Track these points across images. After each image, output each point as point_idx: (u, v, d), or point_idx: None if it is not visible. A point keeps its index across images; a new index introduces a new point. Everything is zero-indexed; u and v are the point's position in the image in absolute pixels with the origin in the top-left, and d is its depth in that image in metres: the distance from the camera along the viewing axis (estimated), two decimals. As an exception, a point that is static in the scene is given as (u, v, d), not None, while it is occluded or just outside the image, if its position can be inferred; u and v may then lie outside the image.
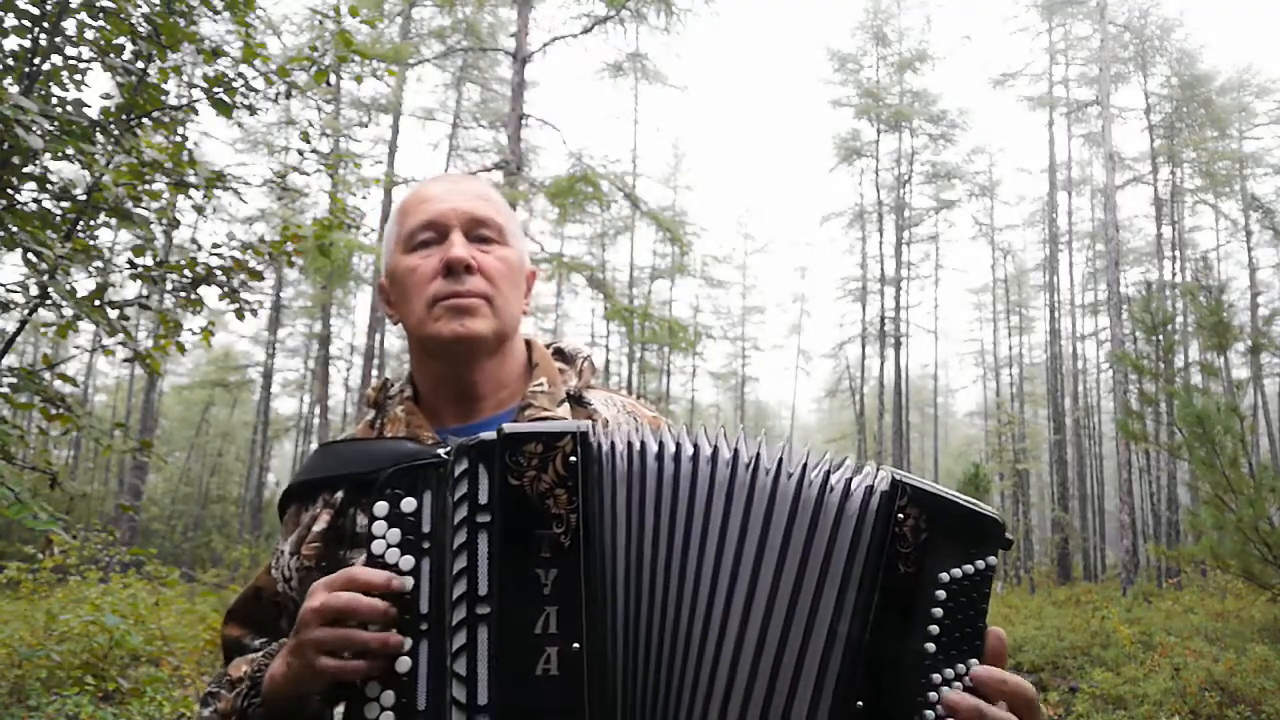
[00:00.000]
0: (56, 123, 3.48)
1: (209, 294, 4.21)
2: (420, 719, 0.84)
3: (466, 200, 1.12)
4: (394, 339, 29.72)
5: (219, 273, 4.14)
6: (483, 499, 0.86)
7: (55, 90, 3.77)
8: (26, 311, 3.61)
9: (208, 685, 1.09)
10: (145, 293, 4.40)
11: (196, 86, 4.21)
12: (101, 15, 3.71)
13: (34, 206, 3.70)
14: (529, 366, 1.20)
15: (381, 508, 0.88)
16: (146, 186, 3.96)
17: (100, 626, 5.87)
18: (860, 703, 0.83)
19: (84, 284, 4.02)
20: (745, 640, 0.85)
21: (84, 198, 3.66)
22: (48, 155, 3.60)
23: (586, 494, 0.86)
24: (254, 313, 4.34)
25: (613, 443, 0.89)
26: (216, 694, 1.05)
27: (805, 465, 0.88)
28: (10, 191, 3.59)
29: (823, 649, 0.84)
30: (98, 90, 4.08)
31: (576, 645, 0.83)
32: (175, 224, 4.49)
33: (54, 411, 3.57)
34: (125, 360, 4.19)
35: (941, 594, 0.86)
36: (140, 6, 3.80)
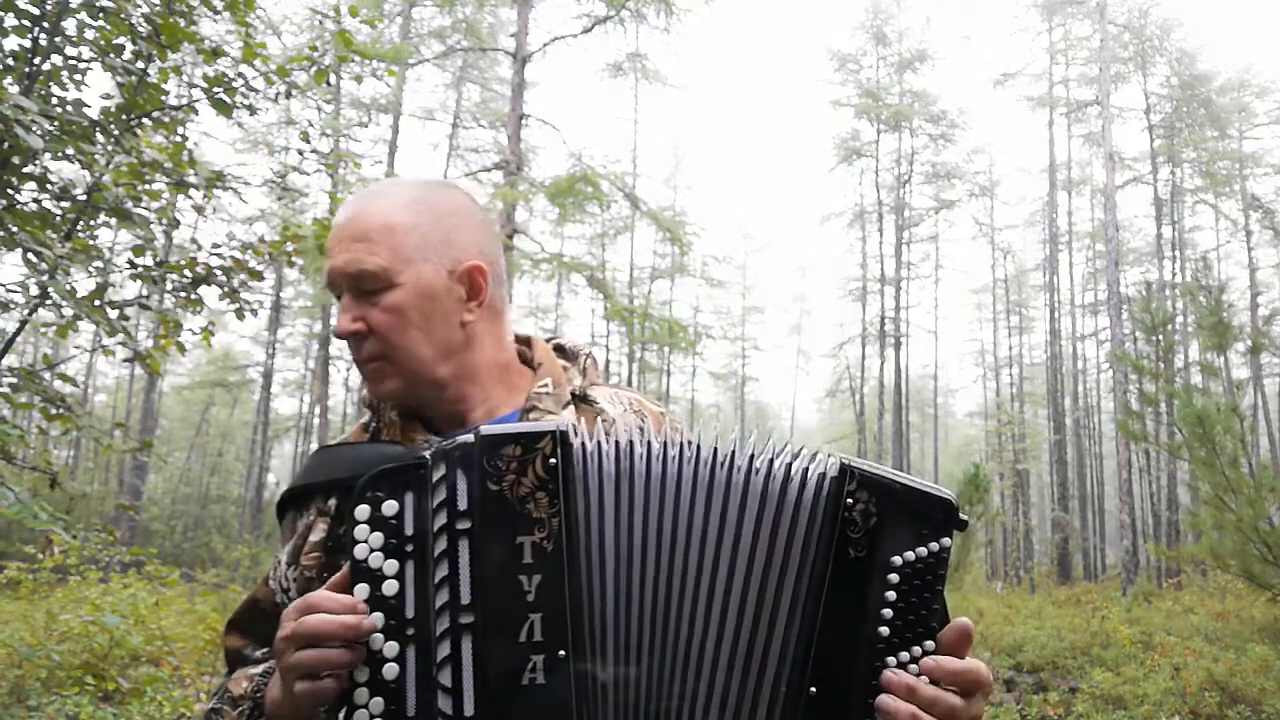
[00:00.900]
0: (56, 123, 3.48)
1: (209, 294, 4.21)
2: None
3: (344, 254, 1.04)
4: (394, 339, 29.66)
5: (219, 273, 4.14)
6: (462, 505, 0.84)
7: (55, 90, 3.77)
8: (26, 311, 3.61)
9: (212, 701, 1.08)
10: (145, 293, 4.40)
11: (196, 86, 4.21)
12: (101, 15, 3.71)
13: (34, 206, 3.71)
14: (531, 368, 1.17)
15: (363, 511, 0.85)
16: (146, 186, 3.96)
17: (100, 626, 5.87)
18: (813, 689, 0.83)
19: (84, 284, 4.02)
20: (723, 637, 0.85)
21: (84, 198, 3.66)
22: (48, 155, 3.60)
23: (568, 496, 0.85)
24: (254, 313, 4.34)
25: (595, 443, 0.88)
26: (220, 711, 1.04)
27: (753, 456, 0.87)
28: (10, 191, 3.59)
29: (781, 639, 0.85)
30: (98, 90, 4.07)
31: (562, 652, 0.82)
32: (175, 224, 4.49)
33: (54, 411, 3.57)
34: (125, 360, 4.19)
35: (894, 578, 0.85)
36: (140, 6, 3.80)
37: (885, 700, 0.82)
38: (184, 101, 4.28)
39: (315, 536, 1.06)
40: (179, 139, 4.18)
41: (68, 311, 3.59)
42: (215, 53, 4.05)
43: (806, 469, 0.87)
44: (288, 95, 4.31)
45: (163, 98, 4.05)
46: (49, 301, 3.53)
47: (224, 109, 4.13)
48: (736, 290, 35.63)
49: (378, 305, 1.04)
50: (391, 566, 0.84)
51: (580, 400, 1.15)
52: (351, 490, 0.92)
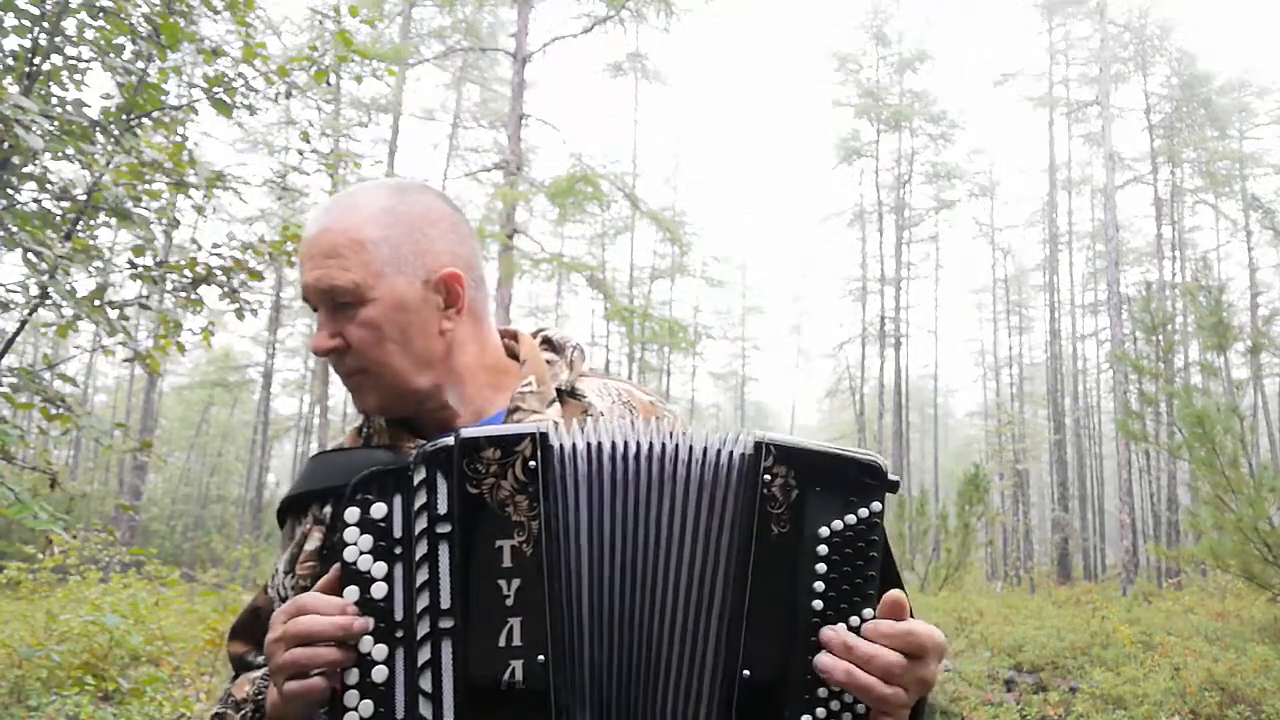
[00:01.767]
0: (56, 123, 3.48)
1: (209, 294, 4.21)
2: None
3: (316, 270, 1.03)
4: (394, 339, 29.68)
5: (219, 273, 4.14)
6: (442, 509, 0.84)
7: (55, 90, 3.77)
8: (26, 311, 3.61)
9: (216, 705, 1.09)
10: (145, 293, 4.40)
11: (196, 86, 4.21)
12: (101, 15, 3.72)
13: (34, 206, 3.71)
14: (518, 364, 1.16)
15: (352, 514, 0.85)
16: (146, 186, 3.96)
17: (100, 626, 5.86)
18: (746, 671, 0.83)
19: (84, 284, 4.02)
20: (675, 633, 0.85)
21: (84, 198, 3.66)
22: (48, 155, 3.60)
23: (547, 499, 0.84)
24: (254, 313, 4.34)
25: (574, 444, 0.87)
26: (224, 715, 1.05)
27: (692, 446, 0.87)
28: (10, 191, 3.59)
29: (716, 627, 0.84)
30: (98, 90, 4.07)
31: (542, 657, 0.82)
32: (175, 224, 4.49)
33: (54, 411, 3.57)
34: (125, 360, 4.19)
35: (824, 549, 0.84)
36: (140, 6, 3.80)
37: (822, 658, 0.82)
38: (184, 101, 4.28)
39: (311, 545, 1.06)
40: (179, 139, 4.18)
41: (68, 311, 3.59)
42: (215, 53, 4.05)
43: (731, 451, 0.86)
44: (288, 95, 4.31)
45: (163, 98, 4.05)
46: (49, 301, 3.53)
47: (224, 109, 4.13)
48: (736, 290, 35.68)
49: (354, 320, 1.03)
50: (380, 569, 0.84)
51: (567, 395, 1.13)
52: (341, 496, 0.91)
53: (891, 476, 0.85)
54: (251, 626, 1.13)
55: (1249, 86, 26.89)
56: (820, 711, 0.83)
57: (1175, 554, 11.67)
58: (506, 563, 0.83)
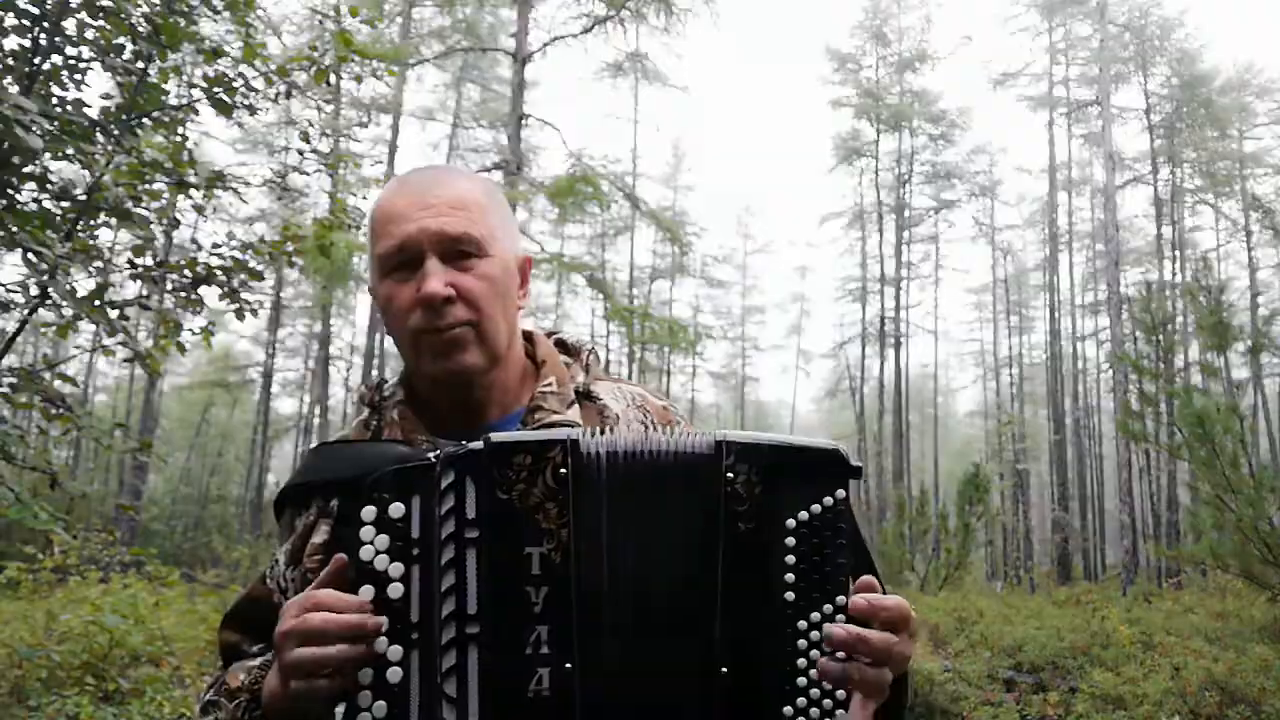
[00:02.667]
0: (56, 123, 3.48)
1: (209, 294, 4.21)
2: None
3: (437, 217, 1.02)
4: (394, 339, 29.64)
5: (219, 273, 4.14)
6: (470, 513, 0.84)
7: (55, 90, 3.77)
8: (26, 311, 3.61)
9: (207, 693, 1.07)
10: (145, 293, 4.40)
11: (196, 86, 4.21)
12: (101, 15, 3.71)
13: (34, 206, 3.71)
14: (535, 364, 1.16)
15: (369, 512, 0.85)
16: (146, 186, 3.96)
17: (100, 626, 5.86)
18: (724, 669, 0.83)
19: (84, 284, 4.02)
20: (673, 640, 0.85)
21: (84, 198, 3.66)
22: (48, 155, 3.60)
23: (578, 507, 0.84)
24: (254, 313, 4.35)
25: (598, 451, 0.87)
26: (217, 703, 1.03)
27: (666, 450, 0.87)
28: (10, 191, 3.59)
29: (687, 624, 0.85)
30: (98, 90, 4.07)
31: (569, 665, 0.82)
32: (175, 224, 4.50)
33: (54, 411, 3.57)
34: (125, 360, 4.19)
35: (791, 540, 0.84)
36: (140, 6, 3.80)
37: (825, 663, 0.83)
38: (184, 101, 4.28)
39: (318, 538, 1.04)
40: (179, 139, 4.19)
41: (68, 311, 3.60)
42: (215, 53, 4.05)
43: (679, 452, 0.87)
44: (288, 95, 4.31)
45: (163, 98, 4.05)
46: (49, 301, 3.53)
47: (224, 109, 4.13)
48: (736, 290, 35.66)
49: (471, 271, 1.03)
50: (397, 569, 0.84)
51: (584, 397, 1.14)
52: (353, 490, 0.91)
53: (854, 463, 0.86)
54: (246, 616, 1.11)
55: (1249, 86, 26.88)
56: (800, 700, 0.84)
57: (1175, 554, 11.68)
58: (535, 570, 0.83)
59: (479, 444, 0.85)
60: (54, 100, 3.75)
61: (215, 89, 4.10)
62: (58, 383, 4.06)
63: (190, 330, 4.23)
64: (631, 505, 0.86)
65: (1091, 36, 25.93)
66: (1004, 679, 7.75)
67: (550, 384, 1.12)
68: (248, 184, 4.40)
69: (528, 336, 1.20)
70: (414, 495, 0.85)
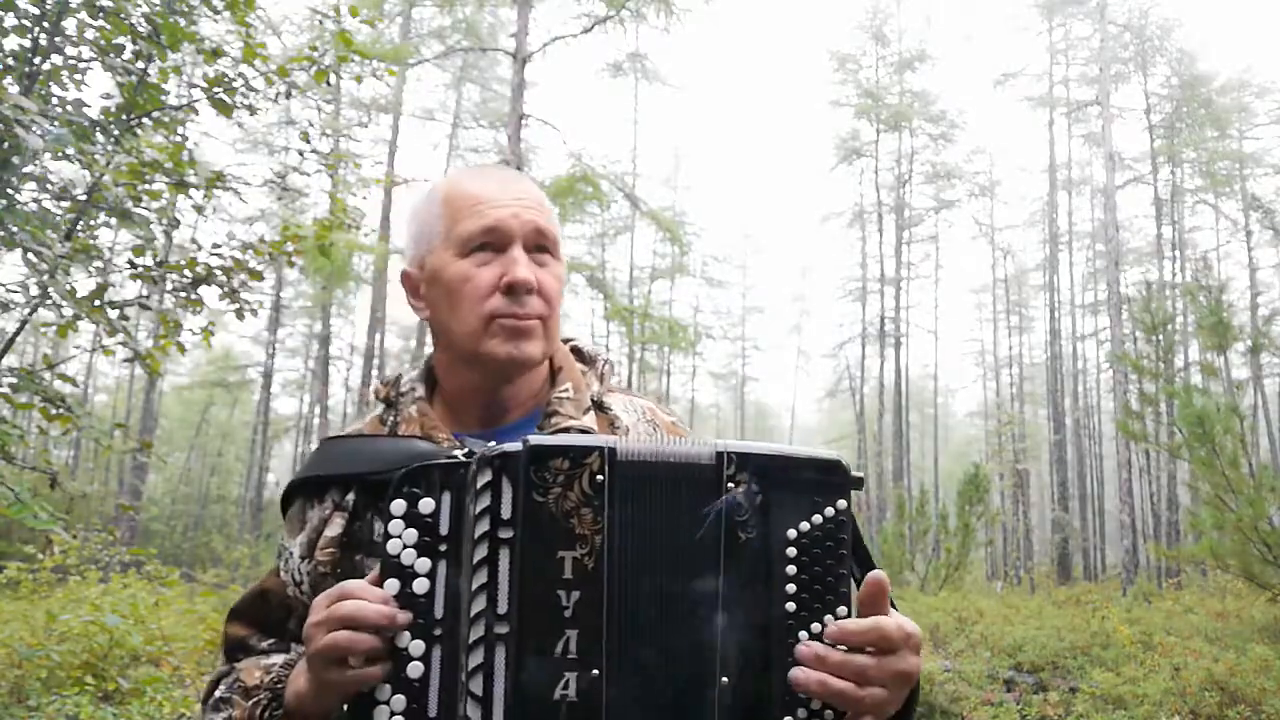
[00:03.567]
0: (56, 123, 3.48)
1: (209, 294, 4.21)
2: None
3: (529, 209, 1.06)
4: (394, 339, 29.70)
5: (219, 273, 4.14)
6: (505, 514, 0.84)
7: (55, 90, 3.77)
8: (26, 311, 3.61)
9: (215, 689, 1.05)
10: (145, 293, 4.40)
11: (196, 86, 4.22)
12: (101, 15, 3.72)
13: (34, 206, 3.71)
14: (551, 369, 1.16)
15: (399, 506, 0.85)
16: (146, 186, 3.96)
17: (100, 626, 5.86)
18: (725, 679, 0.83)
19: (84, 284, 4.02)
20: (684, 649, 0.85)
21: (84, 198, 3.66)
22: (48, 155, 3.60)
23: (611, 515, 0.84)
24: (254, 313, 4.35)
25: (636, 460, 0.87)
26: (229, 700, 1.02)
27: (672, 461, 0.87)
28: (10, 191, 3.59)
29: (703, 635, 0.84)
30: (98, 90, 4.07)
31: (596, 671, 0.82)
32: (175, 224, 4.50)
33: (54, 411, 3.57)
34: (125, 360, 4.20)
35: (793, 551, 0.84)
36: (140, 6, 3.80)
37: (795, 673, 0.83)
38: (184, 101, 4.28)
39: (332, 531, 1.04)
40: (179, 139, 4.19)
41: (68, 311, 3.60)
42: (215, 53, 4.06)
43: (682, 463, 0.87)
44: (288, 95, 4.31)
45: (163, 98, 4.06)
46: (49, 301, 3.53)
47: (224, 109, 4.13)
48: (736, 290, 35.68)
49: (547, 268, 1.07)
50: (424, 565, 0.85)
51: (597, 407, 1.14)
52: (375, 485, 0.90)
53: (855, 473, 0.86)
54: (256, 610, 1.11)
55: (1249, 86, 26.86)
56: (801, 712, 0.84)
57: (1175, 554, 11.68)
58: (567, 574, 0.83)
59: (517, 445, 0.85)
60: (54, 100, 3.75)
61: (215, 89, 4.11)
62: (58, 383, 4.06)
63: (190, 330, 4.23)
64: (655, 514, 0.87)
65: (1091, 36, 25.94)
66: (1004, 679, 7.75)
67: (566, 389, 1.12)
68: (248, 184, 4.40)
69: None
70: (445, 492, 0.86)
